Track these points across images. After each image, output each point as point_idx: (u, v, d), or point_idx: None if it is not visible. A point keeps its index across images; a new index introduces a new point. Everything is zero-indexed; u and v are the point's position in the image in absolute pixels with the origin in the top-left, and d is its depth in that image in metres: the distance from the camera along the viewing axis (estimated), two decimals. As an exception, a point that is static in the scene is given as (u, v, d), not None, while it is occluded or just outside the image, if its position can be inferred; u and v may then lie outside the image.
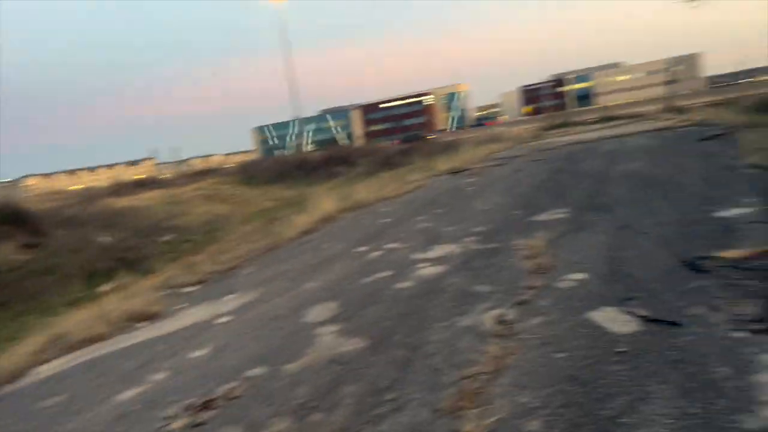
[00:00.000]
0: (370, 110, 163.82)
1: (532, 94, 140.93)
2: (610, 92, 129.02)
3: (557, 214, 7.69)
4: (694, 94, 39.71)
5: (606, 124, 24.44)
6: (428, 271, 6.02)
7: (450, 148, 24.02)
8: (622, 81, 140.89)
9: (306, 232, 9.51)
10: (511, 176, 12.21)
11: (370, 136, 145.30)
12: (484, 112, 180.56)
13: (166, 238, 11.78)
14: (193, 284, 7.71)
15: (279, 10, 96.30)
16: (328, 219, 10.38)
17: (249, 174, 21.64)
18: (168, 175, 49.03)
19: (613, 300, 4.16)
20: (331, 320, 4.93)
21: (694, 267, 4.65)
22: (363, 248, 7.64)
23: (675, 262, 4.86)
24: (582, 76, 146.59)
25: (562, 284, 4.70)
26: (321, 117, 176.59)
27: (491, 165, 14.98)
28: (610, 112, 28.64)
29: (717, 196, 6.98)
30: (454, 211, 9.18)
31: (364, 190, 13.23)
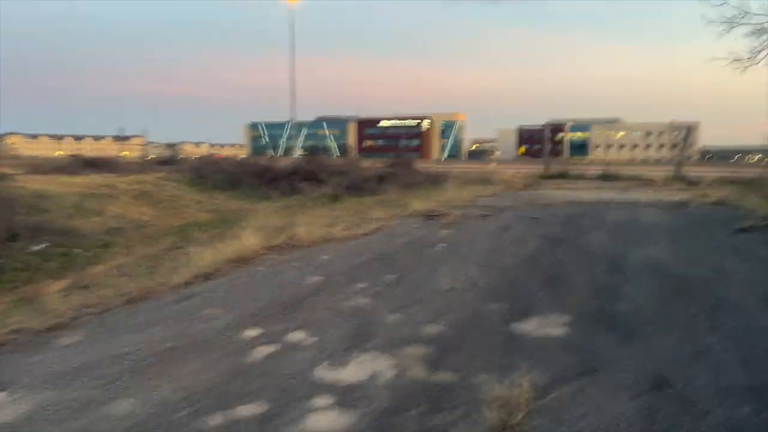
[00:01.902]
0: (367, 125, 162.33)
1: (528, 135, 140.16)
2: (608, 146, 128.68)
3: (553, 324, 5.12)
4: (697, 165, 37.85)
5: (609, 184, 22.11)
6: (321, 423, 3.39)
7: (435, 181, 21.50)
8: (620, 137, 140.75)
9: (200, 278, 6.82)
10: (496, 236, 9.65)
11: (363, 150, 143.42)
12: (480, 146, 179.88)
13: (40, 246, 8.98)
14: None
15: (292, 9, 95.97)
16: (242, 260, 7.69)
17: (201, 174, 18.89)
18: (136, 158, 46.02)
19: None
20: None
21: None
22: (254, 332, 4.97)
23: None
24: (580, 126, 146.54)
25: None
26: (317, 123, 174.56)
27: (474, 214, 12.43)
28: (613, 170, 26.43)
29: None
30: (409, 284, 6.56)
31: (312, 222, 10.58)
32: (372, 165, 27.82)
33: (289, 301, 5.85)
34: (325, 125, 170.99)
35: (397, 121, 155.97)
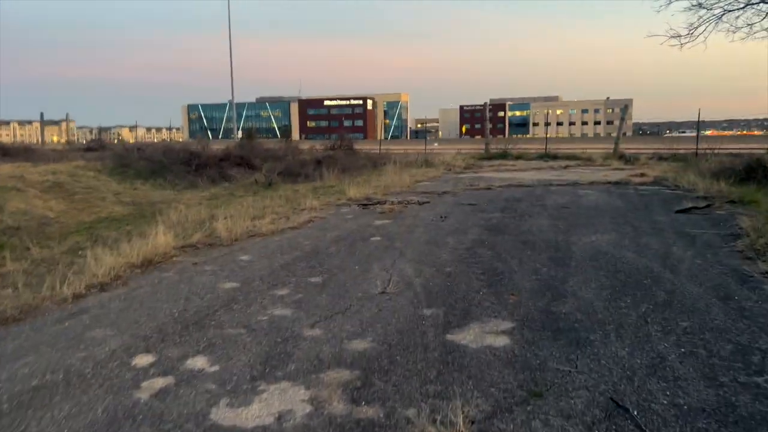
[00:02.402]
0: (310, 105, 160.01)
1: (470, 115, 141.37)
2: (547, 124, 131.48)
3: (493, 332, 4.55)
4: (632, 141, 38.60)
5: (549, 163, 21.96)
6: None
7: (376, 164, 20.79)
8: (559, 114, 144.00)
9: (95, 289, 5.91)
10: (434, 227, 9.05)
11: (307, 131, 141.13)
12: (423, 126, 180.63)
13: None
14: None
15: None
16: (148, 264, 6.80)
17: (123, 162, 17.54)
18: (60, 145, 43.20)
19: None
20: None
21: None
22: (146, 360, 4.18)
23: None
24: (520, 104, 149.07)
25: None
26: (258, 105, 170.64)
27: (413, 201, 11.81)
28: (553, 149, 26.42)
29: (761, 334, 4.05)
30: (336, 287, 5.87)
31: (237, 215, 9.72)
32: (311, 147, 26.91)
33: (194, 317, 5.05)
34: (267, 106, 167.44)
35: (341, 101, 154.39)
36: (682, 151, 22.56)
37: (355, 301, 5.39)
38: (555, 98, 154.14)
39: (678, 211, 9.83)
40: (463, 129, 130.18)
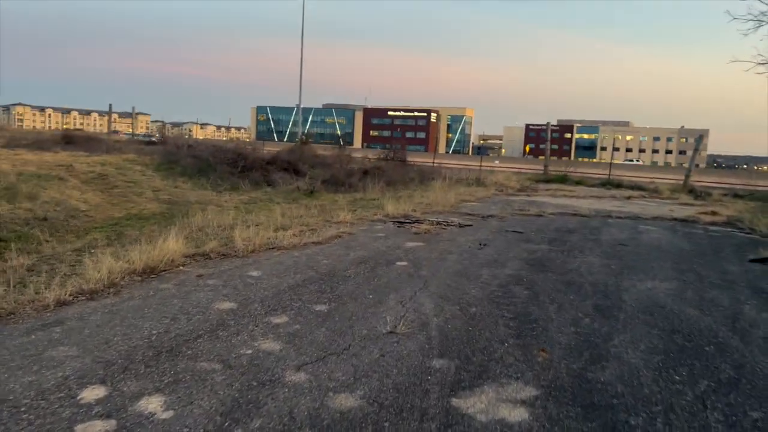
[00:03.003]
0: (374, 114, 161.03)
1: (536, 134, 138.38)
2: (615, 149, 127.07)
3: (511, 401, 3.73)
4: (704, 174, 36.32)
5: (611, 192, 20.61)
6: None
7: (425, 179, 20.03)
8: (629, 140, 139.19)
9: (84, 295, 5.42)
10: (469, 255, 8.23)
11: (369, 140, 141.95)
12: (486, 142, 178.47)
13: None
14: None
15: None
16: (150, 272, 6.30)
17: (172, 158, 17.48)
18: (121, 136, 44.59)
19: None
20: None
21: None
22: (95, 394, 3.59)
23: None
24: (589, 127, 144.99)
25: None
26: (324, 110, 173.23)
27: (453, 222, 11.00)
28: (617, 175, 24.98)
29: None
30: (340, 320, 5.17)
31: (266, 222, 9.21)
32: (364, 157, 26.48)
33: (171, 343, 4.46)
34: (333, 112, 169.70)
35: (404, 112, 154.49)
36: (761, 189, 20.73)
37: (356, 341, 4.67)
38: (626, 123, 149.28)
39: (753, 260, 8.63)
40: (527, 148, 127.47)
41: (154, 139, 32.64)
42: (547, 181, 23.30)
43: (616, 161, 32.89)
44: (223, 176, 16.26)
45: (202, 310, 5.25)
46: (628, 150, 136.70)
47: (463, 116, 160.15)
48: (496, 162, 57.31)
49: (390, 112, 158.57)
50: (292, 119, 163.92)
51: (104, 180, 13.88)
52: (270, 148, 26.76)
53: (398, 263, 7.40)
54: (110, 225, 9.96)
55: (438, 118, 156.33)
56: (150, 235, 8.27)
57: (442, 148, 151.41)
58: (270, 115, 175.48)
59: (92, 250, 7.62)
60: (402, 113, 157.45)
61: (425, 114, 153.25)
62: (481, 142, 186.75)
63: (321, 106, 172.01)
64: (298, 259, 7.29)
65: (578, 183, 23.15)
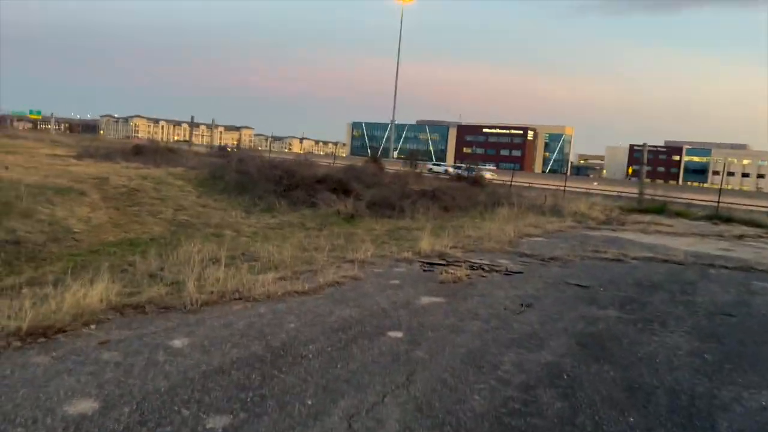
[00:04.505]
0: (468, 131, 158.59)
1: (641, 155, 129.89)
2: (730, 173, 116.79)
3: None
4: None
5: (718, 227, 17.30)
6: None
7: (494, 204, 17.66)
8: (746, 165, 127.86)
9: None
10: (499, 323, 6.04)
11: (462, 157, 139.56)
12: (586, 162, 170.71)
13: None
14: None
15: (403, 9, 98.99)
16: (46, 331, 4.69)
17: (217, 174, 16.42)
18: (198, 148, 45.24)
19: None
20: None
21: None
22: None
23: None
24: (700, 150, 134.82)
25: None
26: (417, 126, 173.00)
27: (499, 267, 8.78)
28: (727, 203, 21.46)
29: None
30: (292, 419, 3.26)
31: (264, 257, 7.59)
32: (436, 176, 24.64)
33: None
34: (426, 129, 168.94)
35: (500, 130, 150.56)
36: None
37: None
38: (743, 146, 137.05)
39: None
40: (629, 170, 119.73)
41: (220, 152, 32.45)
42: (641, 210, 20.14)
43: (728, 187, 28.71)
44: (263, 195, 14.88)
45: (44, 413, 3.54)
46: (745, 175, 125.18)
47: (562, 135, 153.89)
48: (595, 184, 53.26)
49: (485, 129, 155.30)
50: (385, 135, 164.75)
51: (131, 196, 12.85)
52: (340, 162, 25.53)
53: (390, 334, 5.38)
54: (93, 252, 8.67)
55: (535, 136, 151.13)
56: (129, 266, 6.85)
57: (538, 167, 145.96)
58: (365, 131, 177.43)
59: (35, 287, 6.25)
60: (497, 130, 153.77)
61: (521, 131, 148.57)
62: (581, 162, 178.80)
63: (415, 122, 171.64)
64: (255, 321, 5.46)
65: (678, 214, 19.81)
